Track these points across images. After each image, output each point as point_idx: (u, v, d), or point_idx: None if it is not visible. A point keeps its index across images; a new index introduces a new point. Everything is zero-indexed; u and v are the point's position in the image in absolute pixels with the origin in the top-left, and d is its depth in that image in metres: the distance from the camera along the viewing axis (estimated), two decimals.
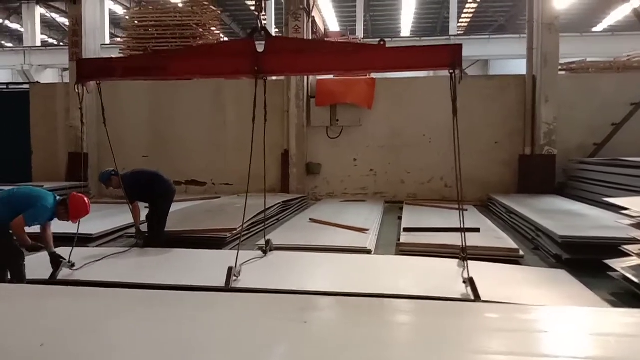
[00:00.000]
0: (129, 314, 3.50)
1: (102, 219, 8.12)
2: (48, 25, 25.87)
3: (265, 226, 6.76)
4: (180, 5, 13.62)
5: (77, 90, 5.36)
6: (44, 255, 5.00)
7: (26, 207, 4.53)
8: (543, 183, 10.63)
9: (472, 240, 5.96)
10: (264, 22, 5.38)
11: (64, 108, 12.25)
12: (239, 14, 24.35)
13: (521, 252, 6.25)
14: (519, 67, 14.28)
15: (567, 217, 7.42)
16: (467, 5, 23.29)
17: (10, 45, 27.37)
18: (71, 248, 5.33)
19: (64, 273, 5.06)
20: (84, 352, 2.83)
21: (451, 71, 4.69)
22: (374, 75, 13.23)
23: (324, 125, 11.74)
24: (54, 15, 22.99)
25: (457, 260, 5.62)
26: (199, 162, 12.14)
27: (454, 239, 5.97)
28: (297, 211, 10.00)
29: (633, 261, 5.03)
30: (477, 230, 6.91)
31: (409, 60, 5.12)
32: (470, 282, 4.41)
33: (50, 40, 27.71)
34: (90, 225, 7.49)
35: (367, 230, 7.44)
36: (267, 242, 6.22)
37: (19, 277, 4.53)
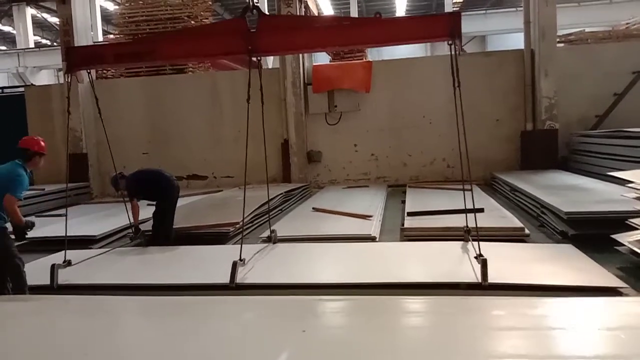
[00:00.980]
0: (133, 326, 3.49)
1: (104, 219, 8.13)
2: (40, 25, 25.68)
3: (270, 217, 6.73)
4: None
5: (67, 80, 5.29)
6: (42, 261, 4.96)
7: (6, 185, 4.42)
8: (546, 158, 10.54)
9: (477, 220, 5.91)
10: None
11: (60, 110, 12.18)
12: (231, 2, 24.08)
13: (526, 231, 6.22)
14: (517, 42, 14.09)
15: (571, 192, 7.35)
16: None
17: (3, 48, 27.22)
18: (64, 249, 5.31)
19: (69, 276, 5.05)
20: None
21: (450, 42, 4.59)
22: (370, 57, 13.11)
23: (322, 112, 11.63)
24: (45, 15, 22.80)
25: (461, 243, 5.60)
26: (199, 156, 12.09)
27: (458, 221, 5.93)
28: (300, 200, 9.97)
29: None
30: (481, 210, 6.84)
31: (406, 31, 5.02)
32: (482, 263, 4.37)
33: (44, 41, 27.55)
34: (93, 226, 7.51)
35: (371, 216, 7.40)
36: (272, 231, 6.21)
37: (21, 285, 4.47)
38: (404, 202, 8.60)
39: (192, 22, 12.13)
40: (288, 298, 4.09)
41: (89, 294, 4.58)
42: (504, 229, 6.20)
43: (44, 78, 22.54)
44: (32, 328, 3.54)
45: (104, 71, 12.79)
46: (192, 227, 6.93)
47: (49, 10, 21.81)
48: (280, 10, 11.25)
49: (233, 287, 4.63)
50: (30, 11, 21.81)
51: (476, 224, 4.94)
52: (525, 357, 2.71)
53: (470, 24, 18.12)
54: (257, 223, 7.69)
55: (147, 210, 8.32)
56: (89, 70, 5.79)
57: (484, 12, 20.87)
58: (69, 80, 5.28)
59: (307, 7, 12.47)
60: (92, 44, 12.65)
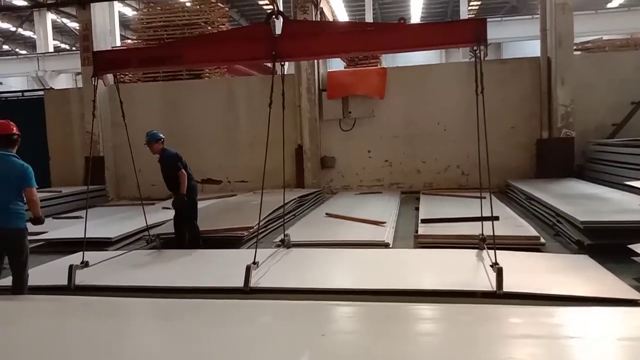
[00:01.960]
0: (147, 329, 3.51)
1: (120, 222, 8.22)
2: (60, 30, 26.12)
3: (285, 221, 6.75)
4: (188, 4, 13.65)
5: (93, 83, 5.36)
6: (60, 262, 5.01)
7: (20, 181, 4.33)
8: (562, 167, 10.45)
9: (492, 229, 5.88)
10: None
11: (78, 114, 12.38)
12: (247, 9, 24.29)
13: (542, 240, 6.16)
14: (533, 49, 14.01)
15: (587, 201, 7.28)
16: None
17: (24, 52, 27.72)
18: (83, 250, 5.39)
19: (87, 277, 5.12)
20: None
21: (475, 48, 4.59)
22: (384, 64, 13.13)
23: (336, 118, 11.67)
24: (65, 20, 23.18)
25: (476, 251, 5.57)
26: (213, 160, 12.18)
27: (472, 229, 5.90)
28: (313, 206, 9.99)
29: None
30: (496, 218, 6.79)
31: (431, 37, 5.01)
32: (498, 272, 4.35)
33: (63, 46, 27.98)
34: (109, 228, 7.60)
35: (384, 223, 7.38)
36: (286, 235, 6.22)
37: (21, 286, 4.43)
38: (417, 209, 8.57)
39: (209, 28, 12.27)
40: (303, 303, 4.09)
41: (105, 296, 4.64)
42: (519, 238, 6.16)
43: (62, 82, 22.90)
44: (46, 328, 3.59)
45: (122, 75, 12.95)
46: (207, 231, 6.97)
47: (68, 16, 22.17)
48: (296, 17, 11.31)
49: (247, 291, 4.65)
50: (50, 16, 22.22)
51: (493, 232, 4.91)
52: None
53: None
54: (270, 228, 7.72)
55: (161, 215, 8.43)
56: (115, 74, 5.86)
57: (499, 19, 20.77)
58: (96, 84, 5.36)
59: (322, 14, 12.55)
60: (110, 48, 12.85)
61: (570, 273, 4.87)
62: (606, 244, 5.58)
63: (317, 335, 3.08)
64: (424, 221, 7.19)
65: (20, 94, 14.49)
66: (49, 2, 16.00)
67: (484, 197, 5.18)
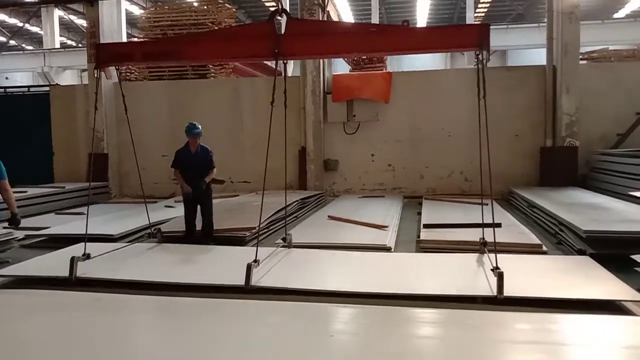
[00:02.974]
0: (149, 327, 3.50)
1: (123, 219, 8.22)
2: (67, 27, 26.22)
3: (286, 222, 6.75)
4: (196, 4, 13.68)
5: (95, 76, 5.38)
6: (61, 252, 4.98)
7: None
8: (565, 175, 10.43)
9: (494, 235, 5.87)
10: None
11: (83, 110, 12.41)
12: (254, 10, 24.36)
13: (544, 248, 6.15)
14: (538, 57, 14.01)
15: (590, 210, 7.26)
16: None
17: (30, 47, 27.82)
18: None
19: (88, 269, 5.12)
20: None
21: (478, 52, 4.61)
22: (389, 68, 13.14)
23: (340, 121, 11.67)
24: (72, 17, 23.29)
25: (477, 255, 5.57)
26: (217, 160, 12.14)
27: (475, 235, 5.89)
28: (315, 208, 9.99)
29: None
30: (498, 225, 6.78)
31: (434, 40, 5.02)
32: (498, 276, 4.33)
33: (69, 42, 28.10)
34: (111, 225, 7.61)
35: (387, 227, 7.38)
36: (288, 234, 6.23)
37: None
38: (419, 213, 8.57)
39: (216, 28, 12.29)
40: (308, 304, 4.10)
41: (106, 289, 4.65)
42: (521, 245, 6.15)
43: (68, 78, 22.99)
44: (47, 323, 3.59)
45: (128, 73, 13.01)
46: None
47: (75, 12, 22.27)
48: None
49: (248, 290, 4.64)
50: (58, 13, 22.32)
51: (495, 239, 4.91)
52: None
53: (491, 38, 18.04)
54: (272, 229, 7.72)
55: (164, 213, 8.45)
56: (117, 67, 5.86)
57: (505, 26, 20.80)
58: (98, 76, 5.37)
59: (329, 16, 12.57)
60: None
61: (572, 274, 4.85)
62: (609, 253, 5.55)
63: (326, 335, 3.08)
64: (427, 226, 7.18)
65: (26, 89, 14.55)
66: None
67: (486, 204, 5.16)
